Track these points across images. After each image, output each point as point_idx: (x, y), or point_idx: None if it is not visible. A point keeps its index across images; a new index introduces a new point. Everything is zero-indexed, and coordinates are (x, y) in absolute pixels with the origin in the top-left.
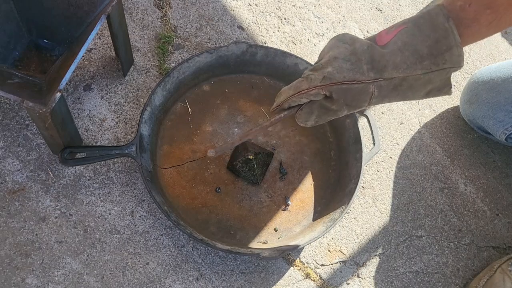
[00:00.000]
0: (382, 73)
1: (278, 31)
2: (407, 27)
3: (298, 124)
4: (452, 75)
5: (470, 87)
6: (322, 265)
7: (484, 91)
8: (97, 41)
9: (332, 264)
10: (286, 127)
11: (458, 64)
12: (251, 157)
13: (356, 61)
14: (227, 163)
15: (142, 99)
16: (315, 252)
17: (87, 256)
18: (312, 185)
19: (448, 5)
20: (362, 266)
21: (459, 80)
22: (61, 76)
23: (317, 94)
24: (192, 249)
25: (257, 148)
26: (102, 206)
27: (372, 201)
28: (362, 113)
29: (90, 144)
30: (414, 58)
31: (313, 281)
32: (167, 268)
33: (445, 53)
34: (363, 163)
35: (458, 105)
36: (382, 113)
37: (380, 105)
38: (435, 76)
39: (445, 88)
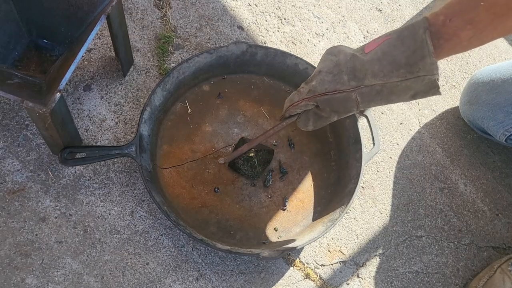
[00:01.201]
0: (363, 81)
1: (278, 31)
2: (391, 38)
3: (300, 129)
4: (451, 76)
5: (470, 88)
6: (322, 265)
7: (484, 92)
8: (97, 41)
9: (332, 264)
10: (286, 127)
11: (431, 72)
12: (253, 154)
13: (338, 72)
14: (228, 161)
15: (142, 99)
16: (315, 252)
17: (87, 256)
18: (312, 185)
19: (432, 19)
20: (362, 266)
21: (459, 80)
22: (61, 76)
23: (306, 105)
24: (192, 249)
25: (258, 146)
26: (102, 206)
27: (372, 201)
28: (362, 113)
29: (90, 144)
30: (391, 67)
31: (313, 281)
32: (167, 268)
33: (419, 62)
34: (363, 163)
35: (458, 106)
36: (382, 113)
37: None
38: (411, 83)
39: (431, 90)
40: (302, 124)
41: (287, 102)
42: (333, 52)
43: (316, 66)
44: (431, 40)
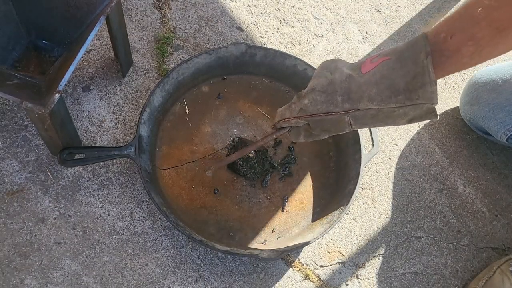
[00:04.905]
0: (358, 104)
1: (277, 32)
2: (390, 60)
3: (292, 140)
4: (450, 77)
5: (470, 89)
6: (321, 266)
7: (485, 92)
8: (96, 42)
9: (331, 265)
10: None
11: (430, 100)
12: (252, 155)
13: (332, 92)
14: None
15: (141, 100)
16: (314, 253)
17: (86, 257)
18: (311, 186)
19: (432, 37)
20: (361, 267)
21: (458, 81)
22: (60, 77)
23: (296, 122)
24: (191, 250)
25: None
26: (101, 207)
27: (371, 202)
28: None
29: (89, 145)
30: (389, 92)
31: (312, 282)
32: (166, 269)
33: (419, 89)
34: (362, 164)
35: (457, 106)
36: None
37: None
38: (409, 110)
39: (428, 115)
40: (293, 137)
41: (278, 115)
42: (329, 68)
43: (315, 67)
44: (432, 66)
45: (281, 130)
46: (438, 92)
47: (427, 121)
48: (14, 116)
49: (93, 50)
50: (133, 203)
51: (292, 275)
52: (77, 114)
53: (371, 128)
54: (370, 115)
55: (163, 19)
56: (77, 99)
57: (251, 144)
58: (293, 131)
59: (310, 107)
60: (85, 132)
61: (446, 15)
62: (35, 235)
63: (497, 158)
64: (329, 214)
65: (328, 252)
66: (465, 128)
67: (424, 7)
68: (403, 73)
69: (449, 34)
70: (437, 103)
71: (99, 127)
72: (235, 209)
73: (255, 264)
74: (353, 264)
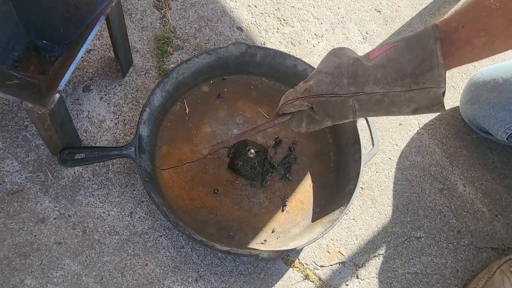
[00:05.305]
0: (364, 87)
1: (277, 32)
2: (398, 46)
3: (293, 129)
4: (450, 77)
5: (470, 88)
6: (321, 266)
7: (485, 91)
8: (96, 42)
9: (331, 265)
10: (285, 128)
11: (437, 84)
12: (253, 155)
13: (338, 75)
14: (228, 163)
15: (141, 100)
16: (314, 253)
17: (86, 257)
18: (311, 186)
19: (443, 26)
20: (361, 267)
21: (458, 81)
22: (60, 77)
23: (300, 104)
24: (191, 250)
25: (257, 146)
26: (101, 207)
27: (371, 202)
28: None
29: (89, 145)
30: (396, 75)
31: (312, 282)
32: (166, 269)
33: (426, 73)
34: (362, 164)
35: (457, 106)
36: None
37: None
38: (415, 95)
39: (435, 107)
40: (294, 124)
41: (282, 99)
42: (337, 54)
43: (315, 67)
44: (441, 51)
45: (284, 116)
46: None
47: (432, 116)
48: (14, 116)
49: (93, 50)
50: (133, 203)
51: (292, 275)
52: (77, 114)
53: (371, 128)
54: (375, 100)
55: (163, 19)
56: (77, 99)
57: (251, 129)
58: (295, 117)
59: (315, 87)
60: (85, 132)
61: (457, 7)
62: (35, 235)
63: (497, 158)
64: (329, 214)
65: (328, 252)
66: (465, 128)
67: (424, 7)
68: (411, 58)
69: (460, 23)
70: (445, 88)
71: (99, 127)
72: (235, 209)
73: (255, 264)
74: (353, 264)
